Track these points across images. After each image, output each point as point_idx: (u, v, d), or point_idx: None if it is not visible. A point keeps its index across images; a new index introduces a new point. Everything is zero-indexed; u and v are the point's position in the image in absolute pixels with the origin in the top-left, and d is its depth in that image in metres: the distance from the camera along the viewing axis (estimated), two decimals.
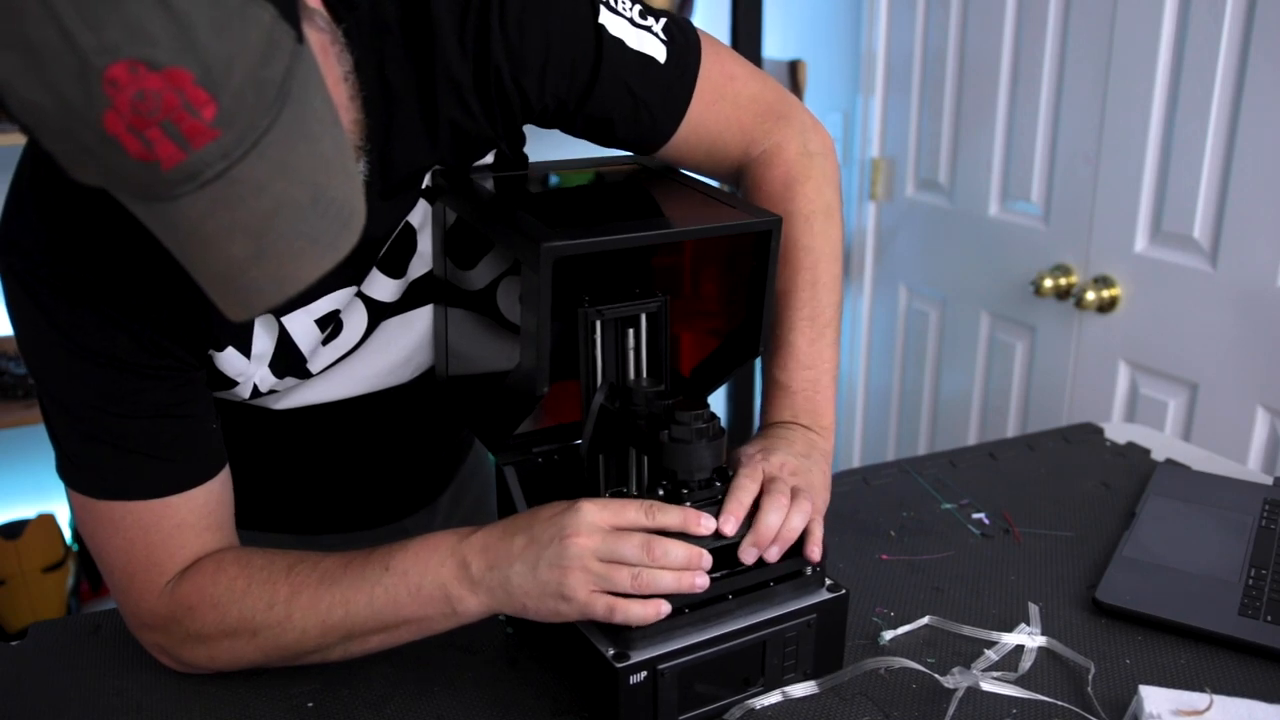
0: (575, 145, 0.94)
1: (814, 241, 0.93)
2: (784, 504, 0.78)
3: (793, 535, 0.79)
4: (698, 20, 2.41)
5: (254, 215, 0.55)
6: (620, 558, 0.73)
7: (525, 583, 0.73)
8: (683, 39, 0.88)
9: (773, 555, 0.78)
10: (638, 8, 0.86)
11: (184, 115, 0.51)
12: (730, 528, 0.77)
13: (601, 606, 0.73)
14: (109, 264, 0.73)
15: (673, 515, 0.75)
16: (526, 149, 0.90)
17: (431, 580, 0.75)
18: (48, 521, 2.10)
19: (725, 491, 0.79)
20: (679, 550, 0.74)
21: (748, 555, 0.77)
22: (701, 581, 0.74)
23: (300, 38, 0.56)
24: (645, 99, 0.86)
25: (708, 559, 0.75)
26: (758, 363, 0.94)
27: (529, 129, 0.89)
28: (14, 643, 0.92)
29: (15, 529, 2.06)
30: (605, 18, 0.83)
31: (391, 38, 0.77)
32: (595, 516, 0.73)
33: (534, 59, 0.81)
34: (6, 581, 2.05)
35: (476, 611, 0.76)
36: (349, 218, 0.59)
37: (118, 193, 0.56)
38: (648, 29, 0.86)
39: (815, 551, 0.80)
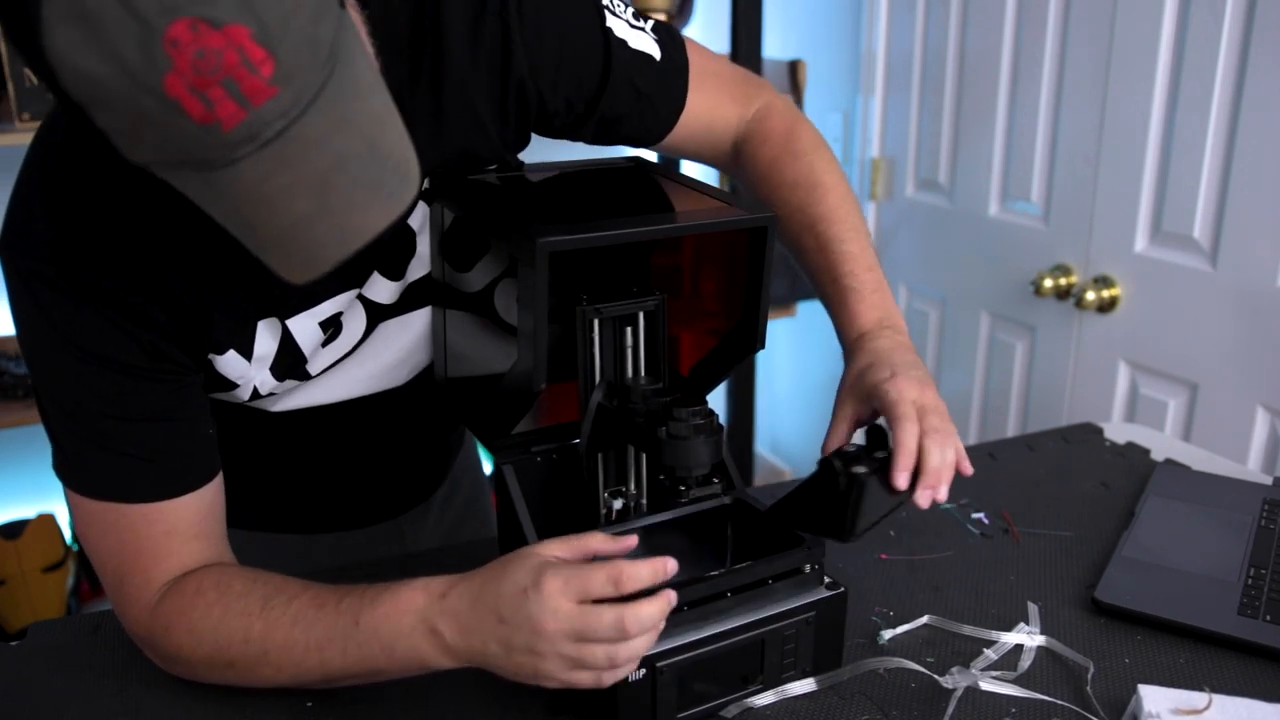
0: (574, 144, 0.95)
1: (832, 168, 0.95)
2: (944, 440, 0.77)
3: (952, 469, 0.78)
4: (698, 20, 2.42)
5: (315, 171, 0.56)
6: (594, 638, 0.69)
7: (501, 662, 0.71)
8: (668, 36, 0.92)
9: (943, 495, 0.77)
10: (630, 10, 0.90)
11: (244, 73, 0.52)
12: (905, 481, 0.76)
13: (587, 679, 0.71)
14: (113, 266, 0.73)
15: (642, 573, 0.69)
16: (527, 148, 0.91)
17: (404, 645, 0.73)
18: (48, 521, 2.10)
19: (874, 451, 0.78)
20: (653, 612, 0.69)
21: (924, 500, 0.76)
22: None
23: (343, 4, 0.57)
24: (649, 94, 0.89)
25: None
26: (759, 360, 0.94)
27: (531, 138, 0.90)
28: (14, 643, 0.92)
29: (15, 529, 2.06)
30: (610, 21, 0.87)
31: (401, 47, 0.78)
32: (560, 599, 0.68)
33: (549, 63, 0.83)
34: (6, 581, 2.05)
35: (454, 666, 0.74)
36: (406, 170, 0.60)
37: (172, 169, 0.56)
38: (641, 29, 0.89)
39: (966, 467, 0.79)
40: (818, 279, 0.93)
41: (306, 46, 0.53)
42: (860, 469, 0.76)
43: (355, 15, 0.65)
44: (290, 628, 0.76)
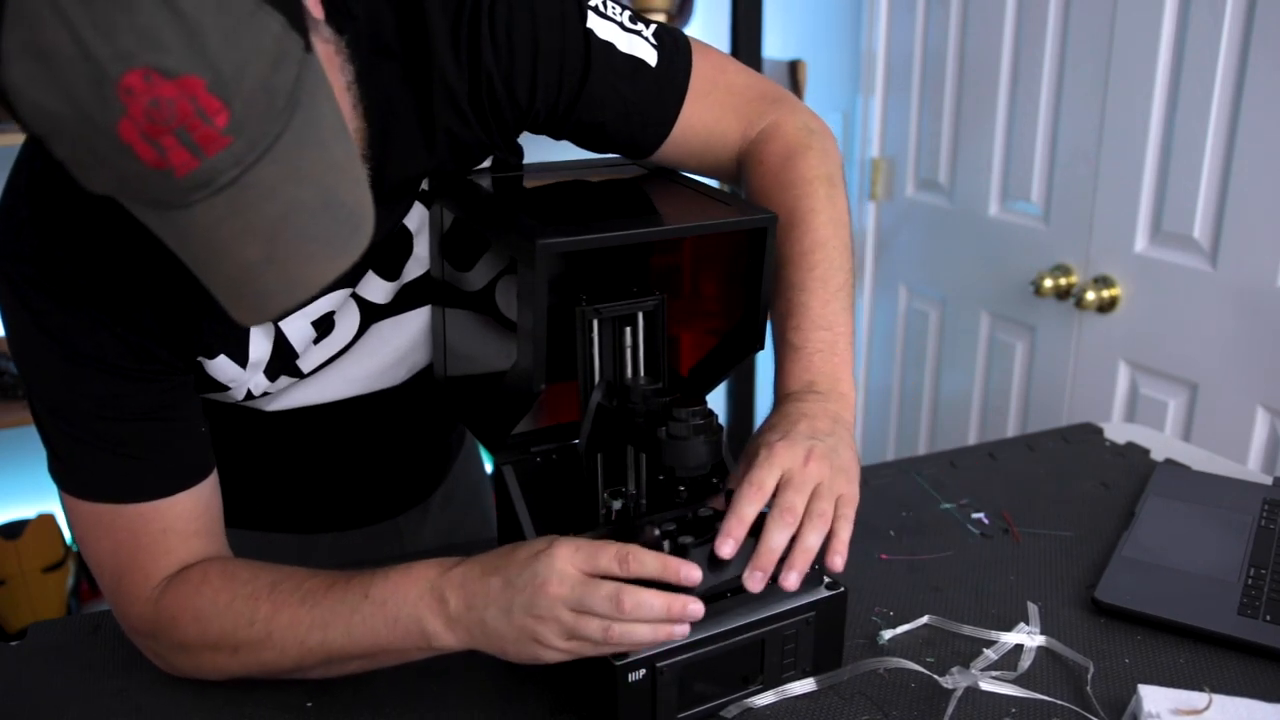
0: (573, 147, 0.94)
1: (818, 205, 0.88)
2: (792, 520, 0.73)
3: (808, 556, 0.73)
4: (698, 20, 2.42)
5: (266, 220, 0.56)
6: (589, 609, 0.69)
7: (501, 627, 0.71)
8: (672, 43, 0.88)
9: (790, 583, 0.72)
10: (627, 13, 0.87)
11: (197, 123, 0.52)
12: (728, 550, 0.72)
13: (588, 648, 0.71)
14: (100, 269, 0.73)
15: (650, 564, 0.70)
16: (524, 149, 0.90)
17: (409, 613, 0.74)
18: (48, 521, 2.10)
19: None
20: (655, 602, 0.69)
21: (753, 583, 0.72)
22: (680, 631, 0.70)
23: (309, 46, 0.56)
24: (636, 101, 0.86)
25: (695, 608, 0.70)
26: (759, 360, 0.94)
27: (526, 136, 0.89)
28: (14, 643, 0.92)
29: (15, 529, 2.06)
30: (594, 22, 0.84)
31: (389, 51, 0.77)
32: (567, 563, 0.70)
33: (523, 64, 0.81)
34: (6, 581, 2.05)
35: (453, 647, 0.74)
36: (359, 222, 0.59)
37: (129, 201, 0.56)
38: (638, 33, 0.86)
39: (836, 561, 0.74)
40: (773, 329, 0.88)
41: (263, 95, 0.53)
42: (686, 538, 0.75)
43: (326, 50, 0.64)
44: (297, 606, 0.76)
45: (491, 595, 0.72)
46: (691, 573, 0.70)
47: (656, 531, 0.77)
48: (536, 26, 0.81)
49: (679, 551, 0.74)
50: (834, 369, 0.85)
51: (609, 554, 0.70)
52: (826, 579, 0.83)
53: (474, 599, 0.72)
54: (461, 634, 0.73)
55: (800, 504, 0.74)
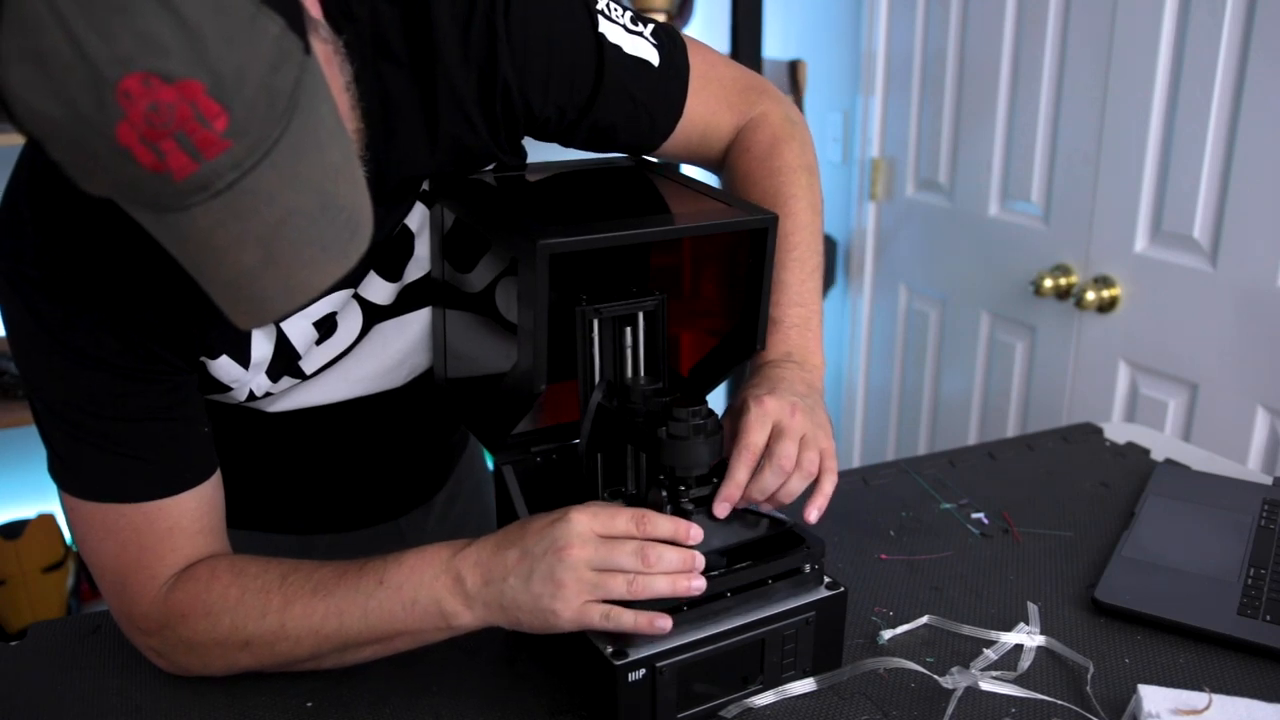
0: (574, 150, 0.95)
1: (799, 192, 0.95)
2: (788, 468, 0.79)
3: (789, 498, 0.79)
4: (698, 20, 2.42)
5: (264, 224, 0.56)
6: (615, 565, 0.73)
7: (519, 596, 0.73)
8: (670, 41, 0.91)
9: (763, 508, 0.80)
10: (629, 14, 0.89)
11: (196, 126, 0.51)
12: (723, 511, 0.78)
13: (596, 615, 0.72)
14: (101, 268, 0.73)
15: (663, 525, 0.75)
16: (524, 149, 0.91)
17: (426, 595, 0.75)
18: (48, 521, 2.10)
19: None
20: (673, 555, 0.74)
21: (719, 509, 0.79)
22: (698, 585, 0.74)
23: (308, 48, 0.56)
24: (645, 102, 0.88)
25: (701, 561, 0.75)
26: None
27: (527, 139, 0.90)
28: (14, 643, 0.92)
29: (15, 529, 2.06)
30: (604, 26, 0.85)
31: (393, 51, 0.78)
32: (586, 526, 0.73)
33: (538, 68, 0.82)
34: (6, 581, 2.05)
35: (471, 625, 0.76)
36: (357, 225, 0.60)
37: (127, 204, 0.56)
38: (639, 34, 0.88)
39: (813, 515, 0.81)
40: None
41: (263, 98, 0.53)
42: (687, 504, 0.79)
43: (324, 50, 0.64)
44: (310, 597, 0.77)
45: (509, 566, 0.74)
46: (698, 533, 0.76)
47: (664, 493, 0.80)
48: (551, 30, 0.82)
49: (681, 515, 0.78)
50: (807, 342, 0.92)
51: (625, 516, 0.74)
52: (827, 579, 0.83)
53: (491, 573, 0.74)
54: (480, 610, 0.75)
55: (794, 453, 0.80)
